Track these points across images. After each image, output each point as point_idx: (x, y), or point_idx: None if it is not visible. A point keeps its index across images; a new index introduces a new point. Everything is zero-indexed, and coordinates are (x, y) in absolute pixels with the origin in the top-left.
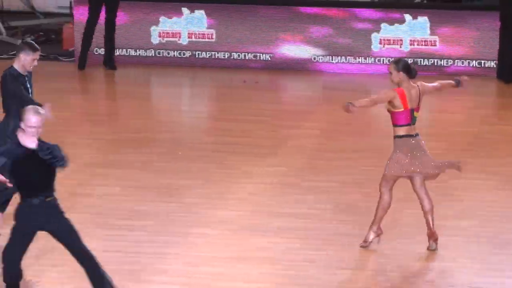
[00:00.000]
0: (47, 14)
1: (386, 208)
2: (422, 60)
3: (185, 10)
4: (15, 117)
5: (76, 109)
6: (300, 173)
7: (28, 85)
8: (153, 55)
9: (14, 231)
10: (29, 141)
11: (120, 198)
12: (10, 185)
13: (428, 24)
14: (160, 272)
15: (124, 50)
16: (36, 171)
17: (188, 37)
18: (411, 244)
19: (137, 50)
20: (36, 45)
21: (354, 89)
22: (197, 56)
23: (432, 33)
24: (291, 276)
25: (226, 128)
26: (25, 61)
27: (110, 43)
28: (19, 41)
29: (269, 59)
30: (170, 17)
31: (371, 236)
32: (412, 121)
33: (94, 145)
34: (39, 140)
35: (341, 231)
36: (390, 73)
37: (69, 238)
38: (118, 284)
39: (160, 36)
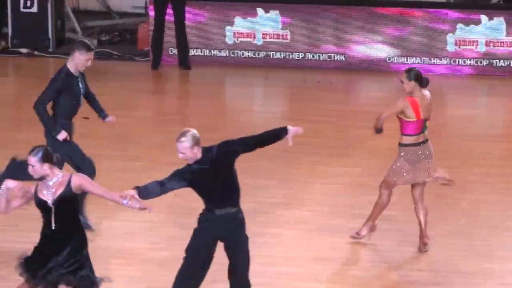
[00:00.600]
0: (122, 14)
1: (383, 207)
2: (497, 61)
3: (260, 11)
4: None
5: (151, 108)
6: (374, 174)
7: (81, 86)
8: (228, 55)
9: (193, 246)
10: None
11: (193, 198)
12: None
13: (504, 25)
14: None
15: (199, 50)
16: (216, 183)
17: (263, 38)
18: None
19: (212, 50)
20: (91, 45)
21: (429, 90)
22: (271, 57)
23: (508, 34)
24: (363, 277)
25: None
26: (78, 60)
27: (182, 43)
28: (94, 41)
29: (344, 59)
30: (245, 18)
31: (364, 231)
32: (422, 130)
33: (168, 144)
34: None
35: (414, 232)
36: (402, 82)
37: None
38: None
39: (234, 36)
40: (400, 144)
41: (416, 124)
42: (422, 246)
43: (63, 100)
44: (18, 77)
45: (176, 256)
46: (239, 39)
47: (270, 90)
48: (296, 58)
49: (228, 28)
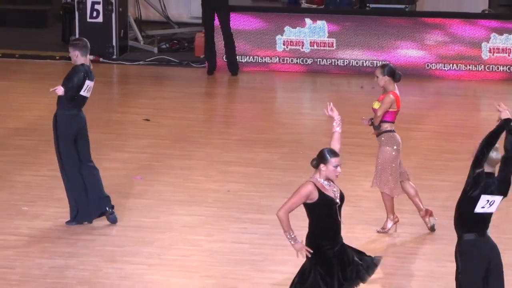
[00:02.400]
0: (181, 24)
1: (392, 198)
2: None
3: (308, 21)
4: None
5: (206, 111)
6: (415, 172)
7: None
8: (278, 61)
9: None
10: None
11: (245, 194)
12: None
13: None
14: (282, 262)
15: (251, 57)
16: None
17: (310, 45)
18: None
19: (263, 57)
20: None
21: (465, 94)
22: (318, 63)
23: None
24: (403, 267)
25: (344, 130)
26: (75, 58)
27: (229, 50)
28: (155, 49)
29: None
30: (294, 27)
31: (389, 224)
32: (395, 119)
33: (222, 145)
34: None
35: (450, 226)
36: (377, 77)
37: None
38: (246, 273)
39: (284, 44)
40: (385, 131)
41: (396, 113)
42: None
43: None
44: None
45: (228, 247)
46: (289, 47)
47: (317, 94)
48: (341, 64)
49: (278, 36)
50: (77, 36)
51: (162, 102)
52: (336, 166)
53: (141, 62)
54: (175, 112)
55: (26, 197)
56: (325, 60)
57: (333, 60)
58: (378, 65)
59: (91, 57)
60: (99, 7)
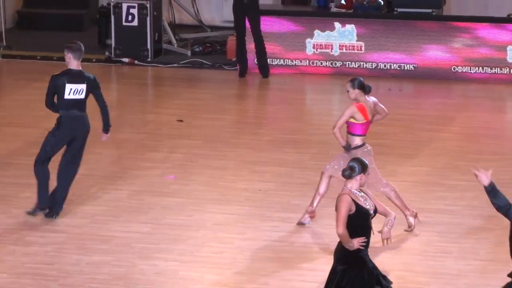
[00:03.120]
0: (214, 28)
1: (397, 195)
2: None
3: (337, 25)
4: None
5: (238, 112)
6: (442, 173)
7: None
8: (308, 64)
9: None
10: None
11: (276, 193)
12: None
13: None
14: (310, 260)
15: (282, 60)
16: None
17: (339, 49)
18: None
19: (293, 60)
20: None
21: (490, 97)
22: (347, 66)
23: None
24: (430, 265)
25: (372, 131)
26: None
27: (260, 53)
28: (188, 52)
29: (413, 68)
30: (323, 31)
31: (411, 219)
32: (367, 131)
33: (253, 145)
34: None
35: (476, 225)
36: (347, 91)
37: None
38: (275, 270)
39: (314, 48)
40: (352, 148)
41: (365, 125)
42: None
43: None
44: (120, 84)
45: (259, 245)
46: (318, 50)
47: (345, 96)
48: (369, 67)
49: (308, 40)
50: (113, 39)
51: (195, 103)
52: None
53: (174, 65)
54: (208, 113)
55: None
56: (353, 63)
57: (361, 63)
58: (404, 68)
59: (126, 59)
60: (134, 11)
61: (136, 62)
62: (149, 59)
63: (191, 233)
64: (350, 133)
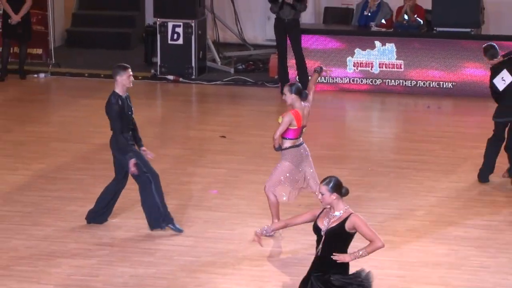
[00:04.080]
0: (256, 46)
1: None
2: None
3: (377, 43)
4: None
5: None
6: (479, 189)
7: (130, 105)
8: (348, 82)
9: None
10: None
11: (316, 208)
12: None
13: None
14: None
15: (323, 77)
16: None
17: (379, 67)
18: None
19: (334, 78)
20: (124, 64)
21: None
22: (386, 84)
23: None
24: (467, 279)
25: (411, 148)
26: (122, 81)
27: (301, 71)
28: (232, 70)
29: (451, 86)
30: (364, 49)
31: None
32: (300, 135)
33: None
34: None
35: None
36: (285, 94)
37: None
38: None
39: (354, 66)
40: (283, 148)
41: (297, 130)
42: None
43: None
44: (165, 101)
45: (299, 257)
46: (359, 68)
47: (386, 114)
48: (409, 85)
49: (349, 58)
50: (158, 57)
51: (238, 120)
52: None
53: (218, 82)
54: (250, 129)
55: None
56: (393, 80)
57: (401, 80)
58: (442, 86)
59: (171, 77)
60: (180, 30)
61: (181, 79)
62: (193, 77)
63: (232, 246)
64: (283, 137)
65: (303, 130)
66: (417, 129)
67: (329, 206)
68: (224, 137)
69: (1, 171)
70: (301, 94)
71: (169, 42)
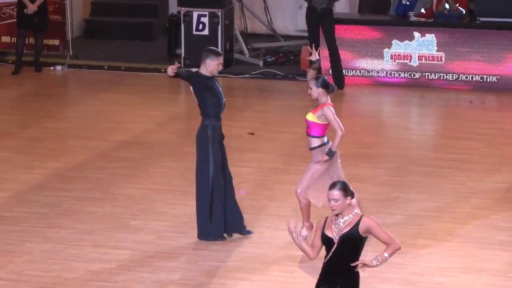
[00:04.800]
0: (287, 37)
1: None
2: None
3: (416, 34)
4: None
5: None
6: None
7: (219, 87)
8: (385, 75)
9: None
10: None
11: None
12: None
13: None
14: (387, 280)
15: (358, 70)
16: None
17: (418, 59)
18: None
19: (370, 71)
20: (218, 50)
21: None
22: (426, 77)
23: None
24: (510, 287)
25: (452, 146)
26: (210, 66)
27: (334, 63)
28: (261, 62)
29: (496, 80)
30: (402, 41)
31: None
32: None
33: None
34: None
35: None
36: (311, 88)
37: None
38: None
39: (392, 58)
40: (316, 147)
41: (325, 127)
42: None
43: (208, 99)
44: (189, 95)
45: None
46: (396, 60)
47: (425, 109)
48: (450, 78)
49: (386, 50)
50: (182, 49)
51: (267, 115)
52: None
53: (246, 75)
54: (280, 126)
55: (129, 210)
56: (433, 74)
57: (441, 74)
58: (486, 79)
59: (196, 69)
60: (205, 19)
61: None
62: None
63: (261, 251)
64: (314, 136)
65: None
66: (458, 125)
67: (337, 214)
68: (252, 134)
69: (16, 170)
70: (328, 87)
71: (194, 32)
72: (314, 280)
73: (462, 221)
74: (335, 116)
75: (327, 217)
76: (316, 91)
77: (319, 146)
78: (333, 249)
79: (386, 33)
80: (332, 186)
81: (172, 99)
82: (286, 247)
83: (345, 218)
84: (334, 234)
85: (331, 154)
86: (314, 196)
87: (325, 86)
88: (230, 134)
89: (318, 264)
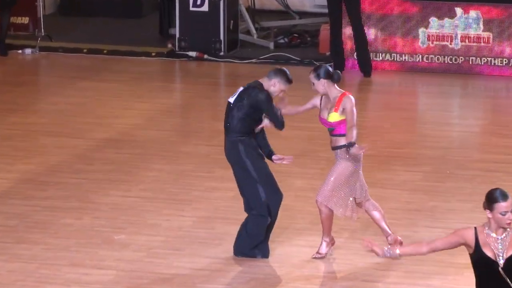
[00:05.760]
0: (303, 14)
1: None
2: None
3: (458, 11)
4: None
5: None
6: None
7: None
8: (420, 60)
9: None
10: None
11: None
12: None
13: None
14: None
15: (388, 54)
16: None
17: (461, 41)
18: None
19: (402, 55)
20: (291, 78)
21: None
22: (471, 62)
23: None
24: None
25: (501, 145)
26: (274, 88)
27: (360, 46)
28: (271, 44)
29: None
30: (441, 18)
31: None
32: None
33: None
34: None
35: None
36: (313, 83)
37: None
38: None
39: (429, 40)
40: (340, 146)
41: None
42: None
43: (253, 118)
44: (186, 84)
45: (356, 286)
46: (434, 42)
47: (469, 101)
48: (499, 64)
49: (422, 30)
50: (177, 29)
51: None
52: (504, 214)
53: (253, 60)
54: (294, 121)
55: (113, 222)
56: (479, 58)
57: (489, 58)
58: None
59: (193, 53)
60: None
61: (205, 56)
62: (222, 53)
63: (271, 270)
64: (338, 135)
65: None
66: (509, 120)
67: (488, 228)
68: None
69: None
70: (333, 76)
71: (191, 8)
72: None
73: None
74: (354, 109)
75: (475, 227)
76: (320, 84)
77: (344, 146)
78: (504, 275)
79: (423, 9)
80: (503, 196)
81: (165, 88)
82: (303, 266)
83: (504, 234)
84: (495, 253)
85: (351, 145)
86: (336, 203)
87: (328, 75)
88: None
89: (338, 287)
